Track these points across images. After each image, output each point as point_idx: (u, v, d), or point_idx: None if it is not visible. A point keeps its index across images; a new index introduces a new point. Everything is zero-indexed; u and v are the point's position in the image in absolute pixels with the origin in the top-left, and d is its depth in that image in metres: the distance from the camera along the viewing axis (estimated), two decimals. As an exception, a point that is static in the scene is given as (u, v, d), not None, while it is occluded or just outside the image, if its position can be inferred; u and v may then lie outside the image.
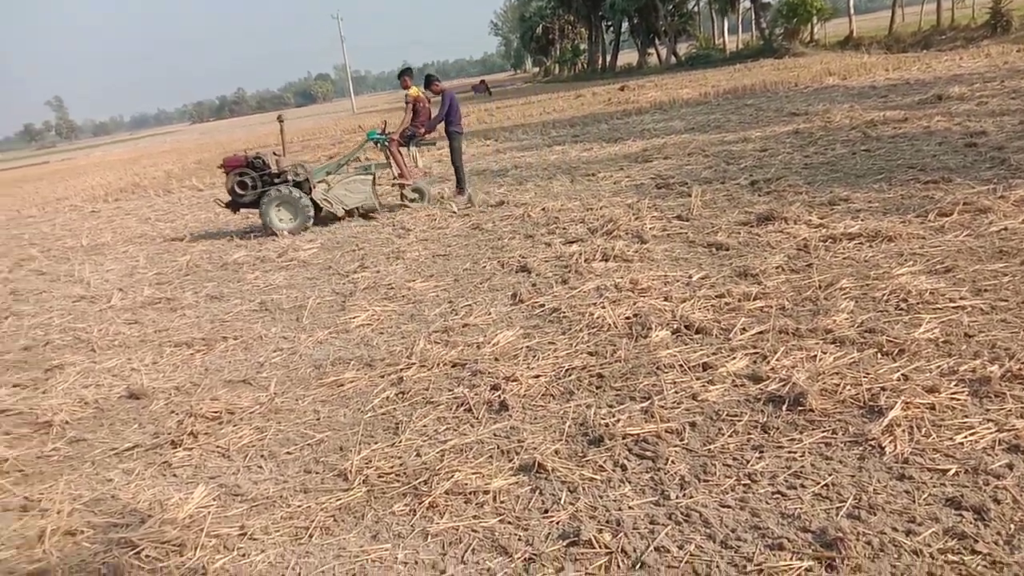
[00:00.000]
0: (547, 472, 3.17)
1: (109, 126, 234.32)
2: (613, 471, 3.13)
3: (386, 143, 10.15)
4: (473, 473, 3.21)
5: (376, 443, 3.65)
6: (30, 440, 4.39)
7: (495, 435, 3.56)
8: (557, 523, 2.84)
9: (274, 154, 9.82)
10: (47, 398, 4.97)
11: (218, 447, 3.89)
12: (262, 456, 3.74)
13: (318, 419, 4.06)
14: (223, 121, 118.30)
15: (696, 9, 52.17)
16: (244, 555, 2.92)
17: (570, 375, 4.09)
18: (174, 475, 3.69)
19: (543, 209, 8.45)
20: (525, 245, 7.08)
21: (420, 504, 3.05)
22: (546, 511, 2.93)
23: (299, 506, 3.20)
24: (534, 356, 4.39)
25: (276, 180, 9.59)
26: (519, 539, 2.78)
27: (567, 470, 3.17)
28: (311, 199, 9.56)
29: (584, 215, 7.85)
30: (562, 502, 2.96)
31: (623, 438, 3.34)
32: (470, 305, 5.51)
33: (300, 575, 2.74)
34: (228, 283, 7.48)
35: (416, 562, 2.72)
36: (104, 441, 4.22)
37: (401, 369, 4.48)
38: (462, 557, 2.72)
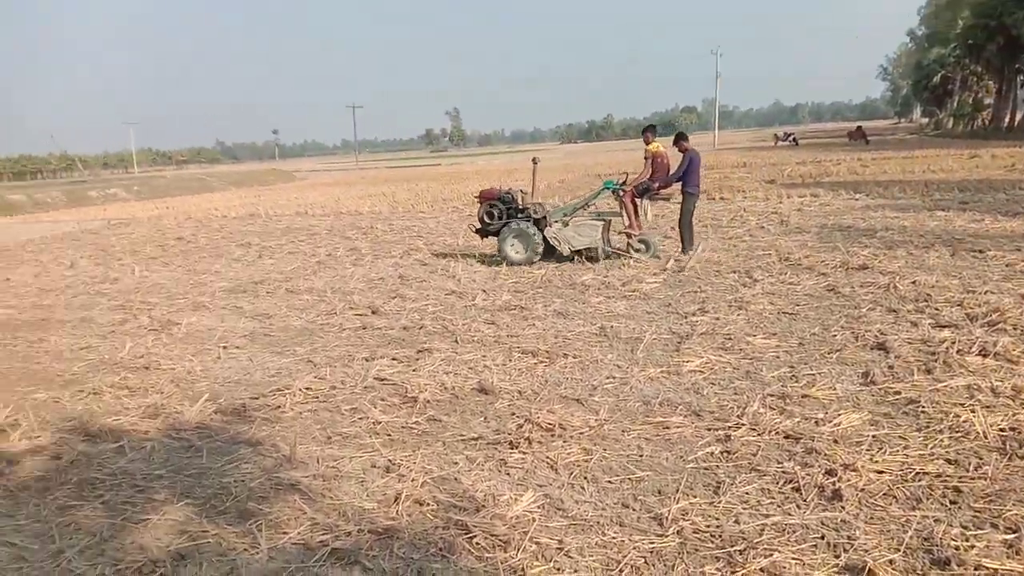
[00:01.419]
0: (877, 581, 2.90)
1: (492, 138, 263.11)
2: (958, 602, 2.77)
3: (620, 193, 10.59)
4: (793, 558, 3.06)
5: (695, 496, 3.66)
6: (399, 410, 5.17)
7: (823, 524, 3.34)
8: (881, 641, 2.60)
9: (521, 192, 10.85)
10: (415, 376, 5.80)
11: (548, 458, 4.20)
12: (585, 478, 3.96)
13: (640, 456, 4.18)
14: (588, 144, 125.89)
15: None
16: (558, 569, 3.13)
17: (920, 480, 3.68)
18: (507, 474, 4.08)
19: (913, 282, 7.64)
20: (886, 319, 6.47)
21: (733, 573, 3.00)
22: (870, 624, 2.69)
23: (613, 537, 3.34)
24: (880, 448, 4.02)
25: (519, 215, 10.57)
26: (835, 645, 2.59)
27: (901, 585, 2.87)
28: (543, 236, 10.33)
29: (963, 297, 6.93)
30: (890, 620, 2.70)
31: (975, 568, 2.93)
32: (813, 375, 5.21)
33: (606, 607, 2.86)
34: (574, 302, 7.99)
35: (720, 632, 2.68)
36: (455, 426, 4.81)
37: (730, 427, 4.41)
38: (769, 643, 2.62)
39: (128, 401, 5.68)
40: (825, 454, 3.97)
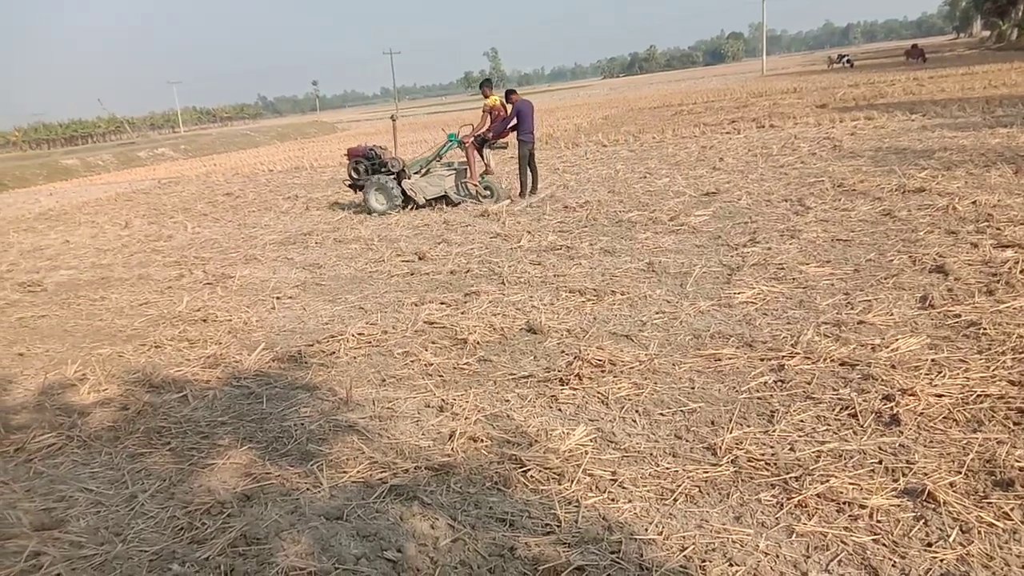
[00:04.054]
0: (937, 503, 2.87)
1: (531, 77, 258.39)
2: (1022, 523, 2.72)
3: (462, 145, 11.58)
4: (850, 483, 3.04)
5: (748, 426, 3.64)
6: (449, 352, 5.22)
7: (880, 449, 3.30)
8: (941, 561, 2.58)
9: (382, 148, 11.94)
10: (464, 318, 5.84)
11: (599, 393, 4.22)
12: (636, 411, 3.97)
13: (692, 388, 4.16)
14: (631, 78, 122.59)
15: None
16: (613, 500, 3.17)
17: (982, 402, 3.59)
18: (559, 409, 4.11)
19: (973, 202, 7.34)
20: (945, 242, 6.25)
21: (788, 500, 2.99)
22: (929, 544, 2.67)
23: (667, 468, 3.36)
24: (939, 372, 3.92)
25: (381, 170, 11.64)
26: (893, 565, 2.59)
27: (962, 507, 2.83)
28: (401, 188, 11.41)
29: (1029, 216, 6.65)
30: (951, 540, 2.67)
31: (1041, 489, 2.87)
32: (869, 301, 5.08)
33: (663, 533, 2.89)
34: (620, 240, 7.91)
35: (777, 556, 2.69)
36: (505, 365, 4.85)
37: (783, 356, 4.35)
38: (826, 565, 2.62)
39: (189, 352, 5.87)
40: (882, 379, 3.90)
